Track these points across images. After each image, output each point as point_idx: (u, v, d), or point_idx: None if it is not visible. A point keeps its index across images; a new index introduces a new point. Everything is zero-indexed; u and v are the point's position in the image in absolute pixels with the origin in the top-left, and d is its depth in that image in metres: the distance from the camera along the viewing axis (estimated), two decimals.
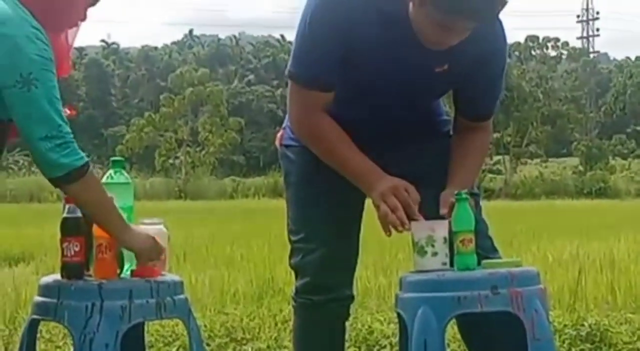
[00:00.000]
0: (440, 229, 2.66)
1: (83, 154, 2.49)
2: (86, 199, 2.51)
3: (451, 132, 3.01)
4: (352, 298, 3.04)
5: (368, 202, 2.88)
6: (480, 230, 2.74)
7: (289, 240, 3.04)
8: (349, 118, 2.85)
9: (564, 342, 4.37)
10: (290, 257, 3.03)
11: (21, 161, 37.23)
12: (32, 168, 37.04)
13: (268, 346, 4.37)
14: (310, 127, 2.86)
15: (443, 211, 2.71)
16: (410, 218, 2.70)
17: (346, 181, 2.84)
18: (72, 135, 2.47)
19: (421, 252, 2.66)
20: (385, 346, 4.34)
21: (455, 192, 2.68)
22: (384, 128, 2.94)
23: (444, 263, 2.66)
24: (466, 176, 2.86)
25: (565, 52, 55.32)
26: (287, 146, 3.04)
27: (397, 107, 2.90)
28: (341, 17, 2.71)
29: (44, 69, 2.46)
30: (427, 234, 2.66)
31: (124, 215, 2.60)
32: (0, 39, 2.44)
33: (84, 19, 2.75)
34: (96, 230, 2.54)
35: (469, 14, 2.57)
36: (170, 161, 40.45)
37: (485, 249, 2.80)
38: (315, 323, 3.01)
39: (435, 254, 2.65)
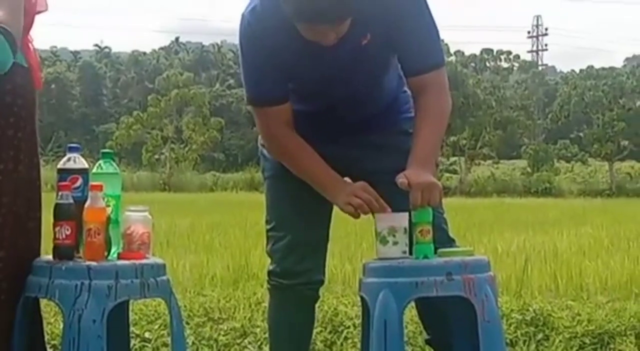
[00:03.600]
0: (401, 220, 2.66)
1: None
2: None
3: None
4: (321, 282, 3.03)
5: None
6: (436, 222, 2.72)
7: (265, 229, 3.04)
8: (309, 115, 2.85)
9: (510, 325, 4.38)
10: (266, 244, 3.04)
11: None
12: None
13: (242, 326, 4.36)
14: (275, 144, 2.88)
15: (400, 180, 2.63)
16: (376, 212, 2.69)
17: None
18: None
19: (383, 241, 2.66)
20: (348, 327, 4.34)
21: (414, 172, 2.63)
22: (347, 122, 2.89)
23: (404, 252, 2.66)
24: (424, 151, 2.71)
25: (516, 64, 55.48)
26: (263, 145, 3.04)
27: (354, 95, 2.82)
28: (261, 38, 2.71)
29: None
30: (389, 225, 2.65)
31: (112, 202, 2.60)
32: None
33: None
34: (86, 215, 2.53)
35: (311, 18, 2.53)
36: (156, 156, 40.17)
37: (440, 241, 2.76)
38: (285, 304, 3.01)
39: (395, 243, 2.65)
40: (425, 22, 2.74)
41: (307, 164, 2.82)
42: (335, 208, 2.91)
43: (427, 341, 3.09)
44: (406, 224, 2.66)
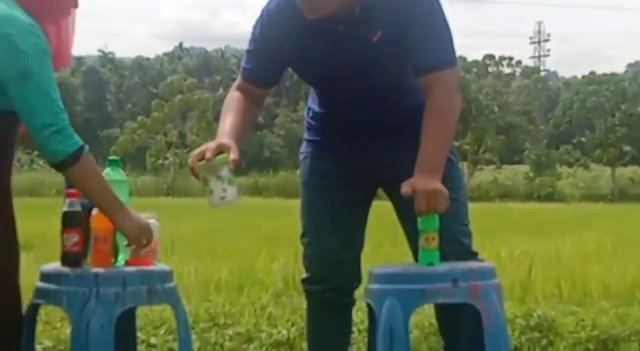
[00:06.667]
0: (210, 169, 2.59)
1: (77, 139, 2.47)
2: (82, 182, 2.49)
3: None
4: (354, 287, 3.01)
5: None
6: (452, 235, 2.76)
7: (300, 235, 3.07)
8: (337, 118, 2.89)
9: (514, 331, 4.37)
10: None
11: (22, 158, 36.90)
12: (33, 165, 36.71)
13: (247, 331, 4.36)
14: (228, 98, 2.89)
15: (404, 190, 2.60)
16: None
17: (344, 181, 2.87)
18: (67, 121, 2.45)
19: (206, 192, 2.62)
20: (353, 332, 4.28)
21: (419, 179, 2.61)
22: (371, 125, 2.86)
23: (222, 198, 2.59)
24: (429, 158, 2.66)
25: (518, 70, 55.54)
26: (300, 153, 3.08)
27: (375, 96, 2.81)
28: (272, 21, 2.77)
29: (38, 62, 2.44)
30: (202, 176, 2.60)
31: None
32: (0, 38, 2.43)
33: (75, 5, 2.74)
34: (94, 222, 2.53)
35: None
36: (160, 161, 40.19)
37: (457, 255, 2.77)
38: (318, 309, 3.03)
39: (211, 192, 2.60)
40: (434, 22, 2.71)
41: (225, 115, 2.81)
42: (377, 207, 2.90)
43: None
44: (219, 172, 2.58)
